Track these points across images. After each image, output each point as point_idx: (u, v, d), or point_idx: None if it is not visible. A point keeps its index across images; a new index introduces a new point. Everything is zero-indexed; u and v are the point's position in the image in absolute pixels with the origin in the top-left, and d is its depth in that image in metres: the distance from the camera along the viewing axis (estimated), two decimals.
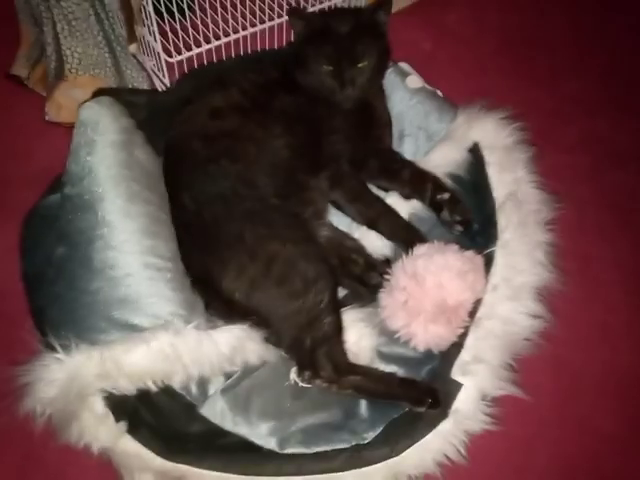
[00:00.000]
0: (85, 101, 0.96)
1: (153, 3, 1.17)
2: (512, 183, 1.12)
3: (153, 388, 0.86)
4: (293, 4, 1.39)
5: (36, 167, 1.38)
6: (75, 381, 0.79)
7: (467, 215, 1.11)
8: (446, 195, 1.12)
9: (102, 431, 0.86)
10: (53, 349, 0.83)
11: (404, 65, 1.34)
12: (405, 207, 1.17)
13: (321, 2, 1.42)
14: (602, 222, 1.43)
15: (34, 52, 1.44)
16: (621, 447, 1.12)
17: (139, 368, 0.82)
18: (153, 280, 0.88)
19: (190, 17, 1.28)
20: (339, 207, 1.17)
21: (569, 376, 1.19)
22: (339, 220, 1.19)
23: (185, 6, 1.24)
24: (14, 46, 1.47)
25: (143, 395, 0.89)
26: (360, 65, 1.10)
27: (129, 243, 0.88)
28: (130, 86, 1.41)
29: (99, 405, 0.85)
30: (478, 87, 1.65)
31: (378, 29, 1.15)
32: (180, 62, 1.27)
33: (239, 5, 1.28)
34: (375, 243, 1.15)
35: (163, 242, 0.93)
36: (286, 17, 1.35)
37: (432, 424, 0.91)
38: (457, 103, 1.31)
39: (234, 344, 0.90)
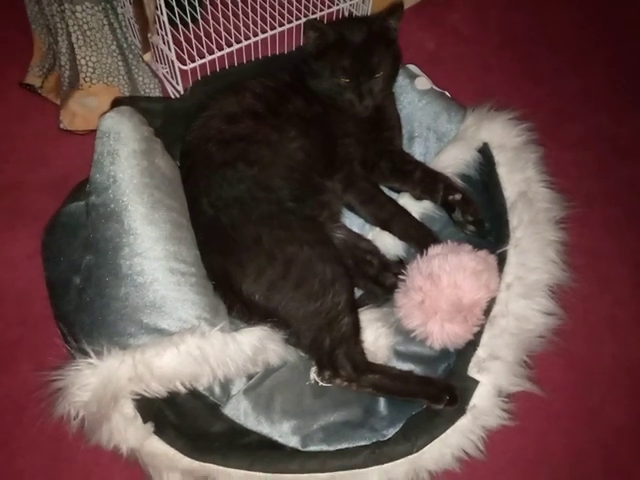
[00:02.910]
0: (106, 111, 0.98)
1: (167, 13, 1.19)
2: (522, 182, 1.14)
3: (182, 390, 0.88)
4: (302, 9, 1.41)
5: (52, 174, 1.41)
6: (109, 385, 0.81)
7: (479, 215, 1.13)
8: (458, 196, 1.14)
9: (131, 432, 0.88)
10: (84, 354, 0.85)
11: (412, 67, 1.36)
12: (416, 207, 1.20)
13: (329, 7, 1.44)
14: (608, 217, 1.46)
15: (46, 61, 1.46)
16: (633, 438, 1.15)
17: (169, 371, 0.85)
18: (179, 285, 0.90)
19: (203, 25, 1.30)
20: (352, 209, 1.19)
21: (580, 370, 1.22)
22: (352, 221, 1.21)
23: (198, 15, 1.26)
24: (27, 55, 1.49)
25: (168, 396, 0.91)
26: (377, 76, 1.12)
27: (154, 250, 0.90)
28: (142, 92, 1.43)
29: (128, 407, 0.87)
30: (482, 86, 1.67)
31: (390, 36, 1.16)
32: (193, 69, 1.29)
33: (250, 12, 1.30)
34: (388, 244, 1.18)
35: (186, 247, 0.95)
36: (295, 22, 1.37)
37: (450, 420, 0.93)
38: (462, 102, 1.33)
39: (256, 345, 0.92)
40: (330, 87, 1.14)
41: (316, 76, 1.15)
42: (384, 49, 1.13)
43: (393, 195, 1.23)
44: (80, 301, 0.91)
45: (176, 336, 0.86)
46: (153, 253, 0.90)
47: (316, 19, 1.34)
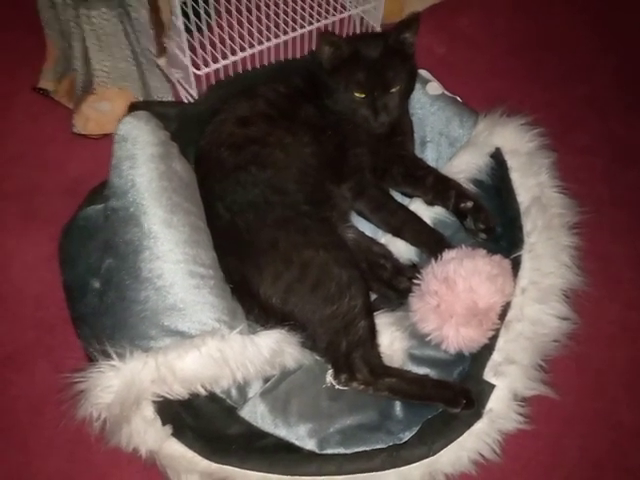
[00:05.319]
0: (123, 116, 0.99)
1: (182, 19, 1.20)
2: (536, 187, 1.14)
3: (203, 392, 0.89)
4: (315, 15, 1.42)
5: (65, 178, 1.41)
6: (132, 387, 0.82)
7: (491, 223, 1.13)
8: (470, 203, 1.14)
9: (150, 434, 0.88)
10: (106, 356, 0.85)
11: (423, 72, 1.36)
12: (428, 212, 1.20)
13: (341, 12, 1.45)
14: (618, 221, 1.46)
15: (60, 66, 1.46)
16: None
17: (191, 373, 0.85)
18: (198, 288, 0.91)
19: (217, 31, 1.31)
20: (364, 216, 1.19)
21: (592, 373, 1.22)
22: (364, 226, 1.21)
23: (213, 22, 1.28)
24: (38, 57, 1.49)
25: (185, 400, 0.91)
26: (392, 91, 1.12)
27: (174, 253, 0.91)
28: (155, 97, 1.44)
29: (149, 410, 0.88)
30: (491, 90, 1.68)
31: (406, 51, 1.15)
32: (207, 74, 1.30)
33: (263, 18, 1.31)
34: (401, 248, 1.18)
35: (204, 250, 0.96)
36: (307, 28, 1.38)
37: (467, 424, 0.94)
38: (473, 107, 1.33)
39: (274, 347, 0.93)
40: (345, 103, 1.13)
41: (331, 92, 1.14)
42: (400, 64, 1.12)
43: (405, 200, 1.23)
44: (101, 304, 0.91)
45: (197, 338, 0.87)
46: (173, 256, 0.90)
47: (331, 32, 1.33)
